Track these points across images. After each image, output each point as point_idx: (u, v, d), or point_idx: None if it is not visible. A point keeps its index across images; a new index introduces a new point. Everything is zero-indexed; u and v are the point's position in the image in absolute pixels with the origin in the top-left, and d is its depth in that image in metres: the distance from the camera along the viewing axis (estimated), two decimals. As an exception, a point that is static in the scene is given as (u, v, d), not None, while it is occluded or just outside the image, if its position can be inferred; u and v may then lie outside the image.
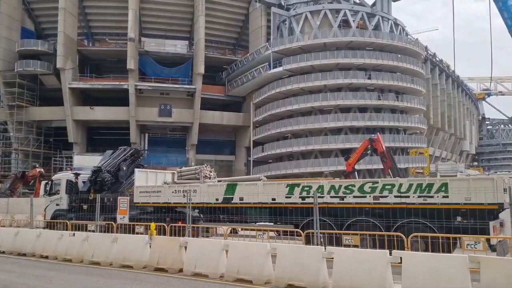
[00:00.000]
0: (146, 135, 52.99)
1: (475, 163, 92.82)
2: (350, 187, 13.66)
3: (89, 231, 15.90)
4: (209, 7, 50.76)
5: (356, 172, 28.87)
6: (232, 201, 15.83)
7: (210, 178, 18.77)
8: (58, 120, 50.74)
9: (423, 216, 12.14)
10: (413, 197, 12.38)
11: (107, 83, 50.60)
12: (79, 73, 51.26)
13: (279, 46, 46.94)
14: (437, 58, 68.06)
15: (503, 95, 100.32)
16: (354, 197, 13.34)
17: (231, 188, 16.07)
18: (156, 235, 12.15)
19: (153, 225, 12.16)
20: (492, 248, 10.67)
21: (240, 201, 15.64)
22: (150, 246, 11.75)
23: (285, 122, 47.22)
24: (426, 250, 10.81)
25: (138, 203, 18.31)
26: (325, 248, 8.82)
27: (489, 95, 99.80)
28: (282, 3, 50.94)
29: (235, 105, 55.55)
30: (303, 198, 14.20)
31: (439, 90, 68.30)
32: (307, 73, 45.72)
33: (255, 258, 9.48)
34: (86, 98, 52.20)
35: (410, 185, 12.59)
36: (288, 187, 14.68)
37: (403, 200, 12.50)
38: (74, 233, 13.94)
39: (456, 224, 11.41)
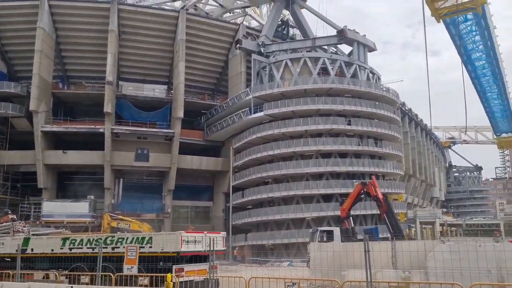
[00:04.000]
0: (121, 180, 50.92)
1: (444, 210, 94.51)
2: (99, 240, 17.91)
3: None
4: (189, 53, 50.78)
5: (351, 218, 28.20)
6: (26, 252, 19.36)
7: (23, 232, 21.53)
8: (27, 164, 48.33)
9: (143, 261, 16.14)
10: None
11: (82, 126, 48.92)
12: (52, 116, 49.54)
13: (260, 92, 47.11)
14: (406, 107, 70.48)
15: (468, 143, 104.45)
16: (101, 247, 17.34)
17: (26, 241, 20.01)
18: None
19: (169, 276, 11.01)
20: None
21: (32, 252, 19.53)
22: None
23: (266, 167, 46.51)
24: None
25: None
26: None
27: (454, 143, 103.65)
28: (262, 50, 51.71)
29: (213, 150, 54.71)
30: (70, 249, 18.61)
31: (409, 137, 70.28)
32: (288, 118, 45.76)
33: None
34: (58, 141, 50.07)
35: (133, 238, 17.57)
36: (62, 240, 18.95)
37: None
38: (72, 286, 12.58)
39: (159, 266, 15.80)
